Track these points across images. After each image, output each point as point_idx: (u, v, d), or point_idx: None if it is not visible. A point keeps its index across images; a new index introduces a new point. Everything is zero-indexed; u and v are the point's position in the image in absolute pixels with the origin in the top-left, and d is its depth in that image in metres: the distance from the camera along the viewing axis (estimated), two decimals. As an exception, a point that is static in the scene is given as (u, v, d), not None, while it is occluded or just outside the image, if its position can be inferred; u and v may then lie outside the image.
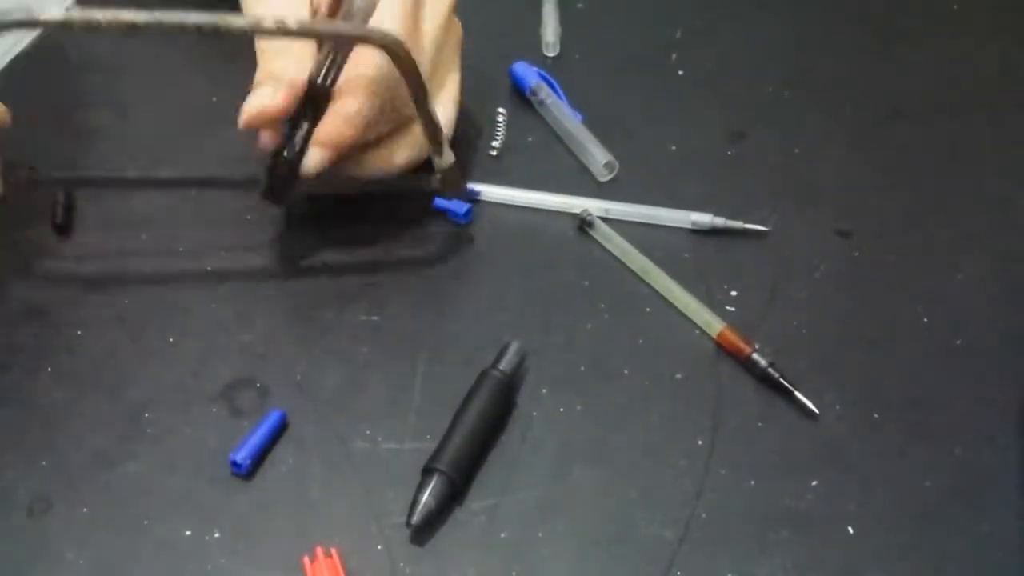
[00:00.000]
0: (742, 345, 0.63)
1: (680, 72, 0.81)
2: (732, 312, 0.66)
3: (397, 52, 0.59)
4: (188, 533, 0.58)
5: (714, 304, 0.66)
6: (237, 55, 0.86)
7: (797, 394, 0.61)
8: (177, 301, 0.68)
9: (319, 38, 0.64)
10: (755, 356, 0.63)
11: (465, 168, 0.74)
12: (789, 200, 0.72)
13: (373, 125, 0.64)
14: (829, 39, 0.83)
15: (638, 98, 0.79)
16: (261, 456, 0.61)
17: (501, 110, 0.77)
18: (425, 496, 0.57)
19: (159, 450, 0.61)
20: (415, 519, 0.56)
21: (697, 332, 0.65)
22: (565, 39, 0.83)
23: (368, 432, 0.61)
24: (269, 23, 0.57)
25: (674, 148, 0.75)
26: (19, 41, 0.85)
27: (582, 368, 0.64)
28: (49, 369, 0.64)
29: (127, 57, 0.85)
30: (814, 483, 0.59)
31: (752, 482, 0.59)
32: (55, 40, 0.86)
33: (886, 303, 0.67)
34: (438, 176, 0.66)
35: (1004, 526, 0.57)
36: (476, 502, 0.59)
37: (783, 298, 0.67)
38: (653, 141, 0.76)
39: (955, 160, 0.74)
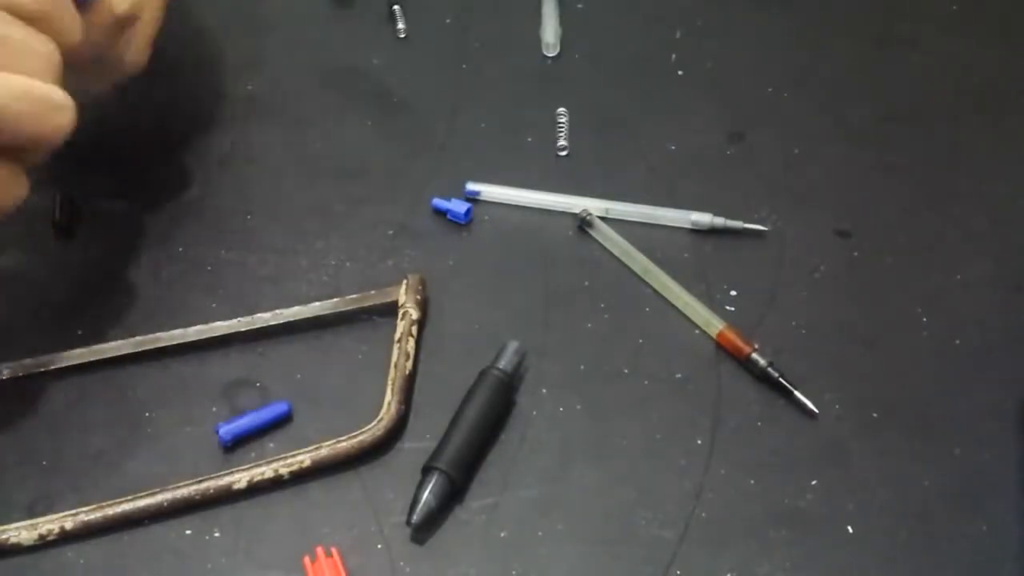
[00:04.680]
0: (742, 345, 0.63)
1: (680, 72, 0.81)
2: (732, 312, 0.66)
3: None
4: (188, 533, 0.58)
5: (714, 304, 0.66)
6: (239, 54, 0.86)
7: (797, 394, 0.61)
8: (177, 301, 0.68)
9: None
10: (755, 356, 0.63)
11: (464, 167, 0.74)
12: (789, 200, 0.72)
13: None
14: (829, 39, 0.83)
15: (638, 98, 0.79)
16: (248, 437, 0.61)
17: (562, 110, 0.76)
18: (425, 495, 0.57)
19: (159, 450, 0.61)
20: (415, 518, 0.56)
21: (697, 332, 0.65)
22: (565, 39, 0.83)
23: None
24: None
25: (674, 148, 0.75)
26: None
27: (582, 368, 0.64)
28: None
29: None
30: (814, 483, 0.59)
31: (752, 482, 0.59)
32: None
33: (886, 303, 0.67)
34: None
35: (1004, 526, 0.57)
36: (476, 501, 0.59)
37: (783, 298, 0.67)
38: (653, 141, 0.76)
39: (955, 160, 0.74)
